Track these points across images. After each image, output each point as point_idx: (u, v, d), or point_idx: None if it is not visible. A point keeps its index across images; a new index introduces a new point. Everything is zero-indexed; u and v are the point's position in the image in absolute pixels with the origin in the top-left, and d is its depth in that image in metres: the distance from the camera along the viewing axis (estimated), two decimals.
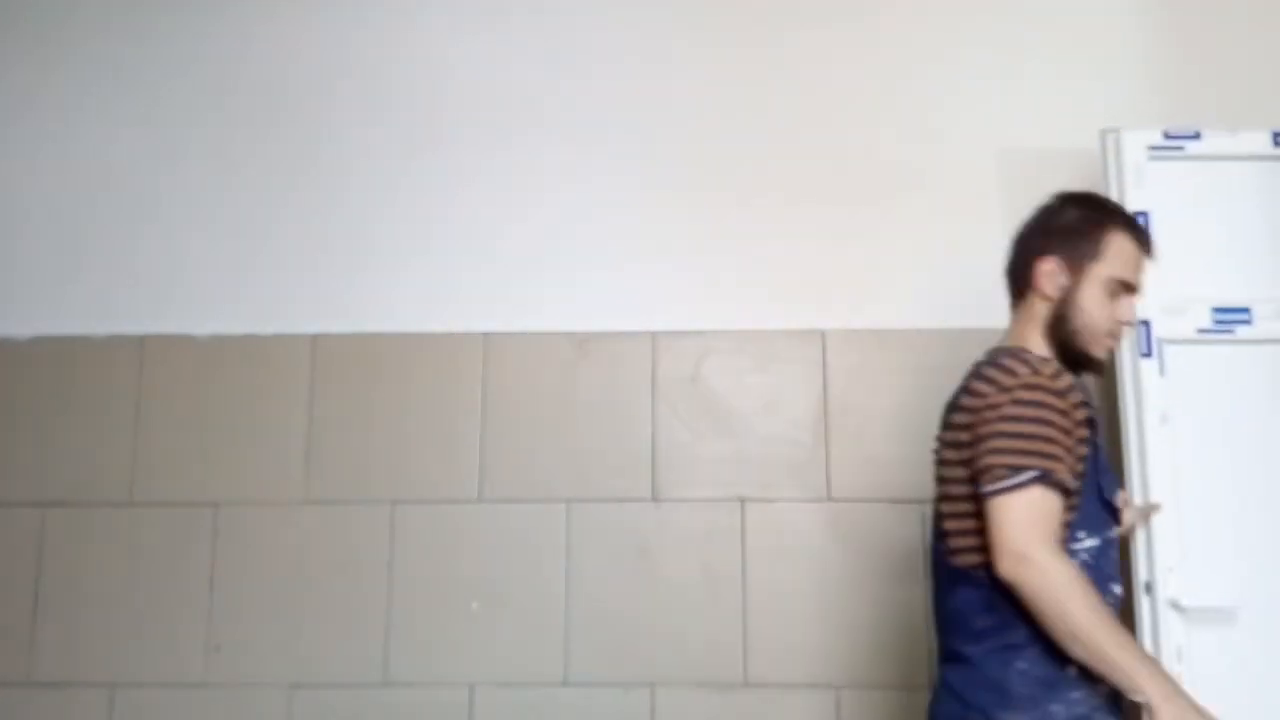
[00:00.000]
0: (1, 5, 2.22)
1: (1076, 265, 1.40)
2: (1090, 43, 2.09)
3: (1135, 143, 1.82)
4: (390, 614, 1.96)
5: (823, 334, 2.02)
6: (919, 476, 1.94)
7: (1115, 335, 1.44)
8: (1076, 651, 1.24)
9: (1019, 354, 1.37)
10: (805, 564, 1.93)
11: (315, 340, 2.06)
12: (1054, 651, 1.27)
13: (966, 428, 1.35)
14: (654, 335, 2.04)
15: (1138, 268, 1.42)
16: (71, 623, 1.98)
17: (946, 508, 1.39)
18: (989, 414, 1.31)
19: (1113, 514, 1.40)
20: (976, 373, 1.39)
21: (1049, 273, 1.41)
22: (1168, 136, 1.83)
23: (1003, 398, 1.31)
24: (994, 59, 2.09)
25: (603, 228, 2.08)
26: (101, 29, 2.20)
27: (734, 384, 2.01)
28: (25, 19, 2.21)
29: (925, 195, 2.05)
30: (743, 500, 1.97)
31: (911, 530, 1.93)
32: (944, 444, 1.41)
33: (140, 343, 2.07)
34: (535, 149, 2.11)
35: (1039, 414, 1.29)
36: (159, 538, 2.00)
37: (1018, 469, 1.27)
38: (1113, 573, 1.38)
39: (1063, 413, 1.30)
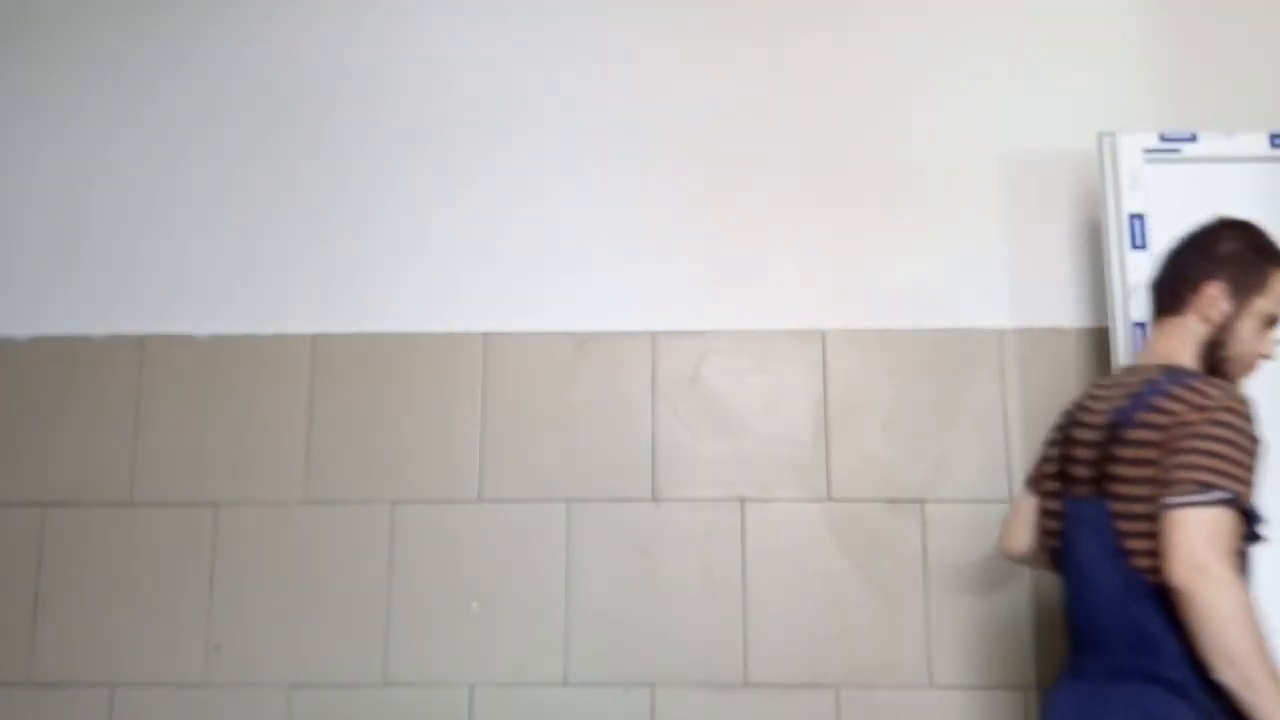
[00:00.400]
0: (1, 5, 2.22)
1: (1242, 295, 1.44)
2: (1091, 44, 2.09)
3: (1131, 146, 1.83)
4: (390, 614, 1.96)
5: (823, 334, 2.02)
6: (919, 477, 1.95)
7: (1256, 367, 1.48)
8: (1227, 675, 1.22)
9: (1204, 378, 1.40)
10: (805, 564, 1.94)
11: (315, 340, 2.06)
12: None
13: (1155, 445, 1.35)
14: (654, 335, 2.04)
15: None
16: (71, 623, 1.98)
17: (1129, 526, 1.36)
18: (1182, 430, 1.32)
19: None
20: (1160, 390, 1.38)
21: (1214, 297, 1.44)
22: (1164, 139, 1.84)
23: (1197, 415, 1.32)
24: (995, 61, 2.10)
25: (603, 228, 2.08)
26: (101, 29, 2.20)
27: (734, 384, 2.02)
28: (25, 19, 2.21)
29: (925, 195, 2.05)
30: (743, 500, 1.97)
31: (911, 530, 1.94)
32: (1123, 460, 1.38)
33: (140, 343, 2.07)
34: (535, 149, 2.11)
35: (1235, 438, 1.30)
36: (159, 538, 2.00)
37: (1208, 486, 1.27)
38: None
39: (1254, 441, 1.32)
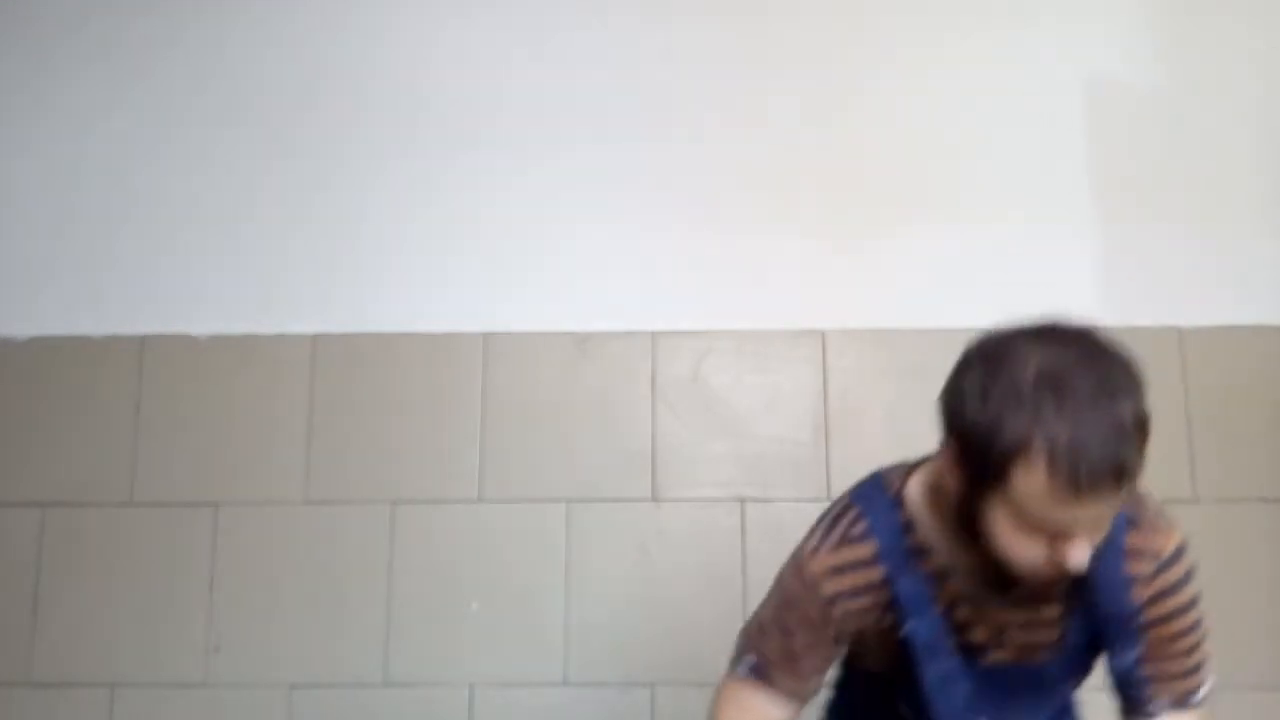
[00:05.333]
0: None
1: (981, 488, 0.99)
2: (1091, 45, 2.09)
3: None
4: (390, 614, 1.96)
5: (823, 334, 2.02)
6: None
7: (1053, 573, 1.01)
8: None
9: (841, 515, 1.17)
10: None
11: (315, 340, 2.06)
12: None
13: None
14: (654, 335, 2.04)
15: (1059, 508, 0.94)
16: (71, 623, 1.98)
17: None
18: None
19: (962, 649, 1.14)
20: None
21: (947, 466, 1.04)
22: None
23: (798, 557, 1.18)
24: (996, 62, 2.10)
25: (603, 228, 2.08)
26: (96, 28, 2.20)
27: (734, 384, 2.01)
28: (22, 18, 2.21)
29: (925, 195, 2.05)
30: (743, 500, 1.97)
31: None
32: None
33: (140, 343, 2.07)
34: (536, 149, 2.11)
35: (783, 617, 1.17)
36: (159, 538, 2.00)
37: (742, 653, 1.22)
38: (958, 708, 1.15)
39: (810, 622, 1.14)
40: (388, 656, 1.95)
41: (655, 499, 1.98)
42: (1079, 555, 0.97)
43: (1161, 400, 2.03)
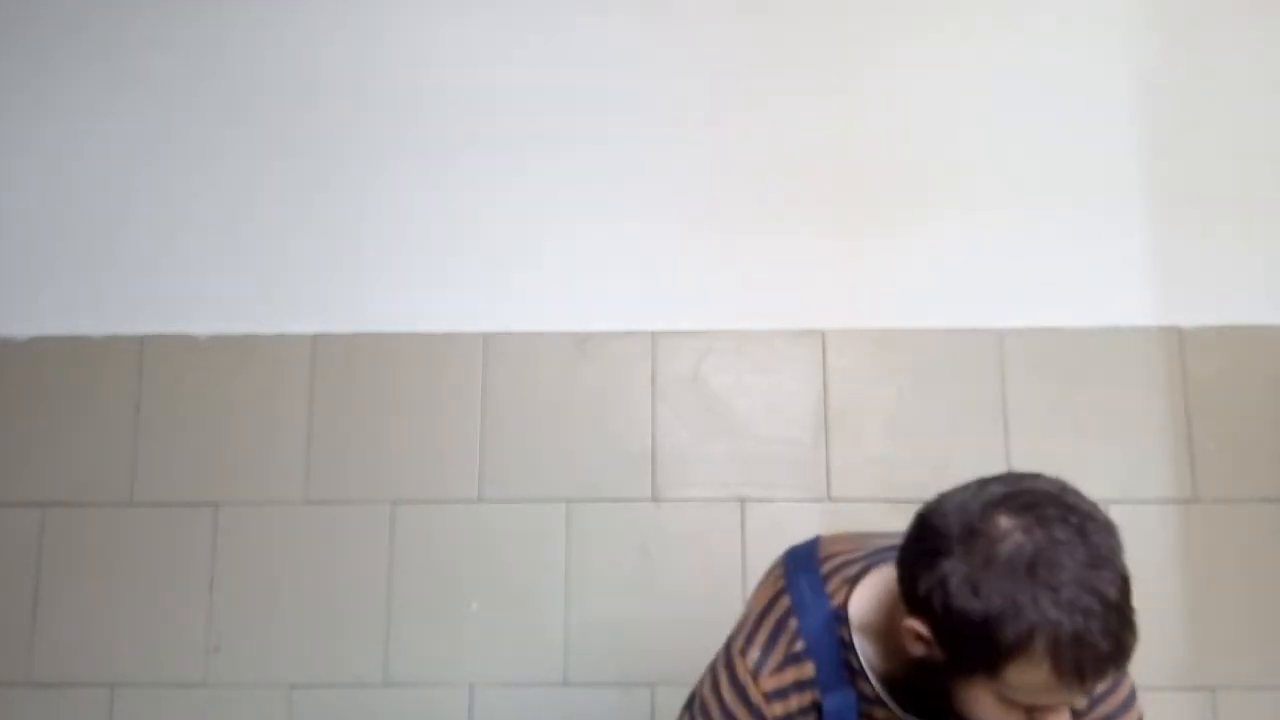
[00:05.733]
0: None
1: (963, 669, 0.95)
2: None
3: None
4: (390, 614, 1.96)
5: (823, 334, 2.02)
6: (919, 476, 1.95)
7: None
8: None
9: (781, 628, 1.12)
10: None
11: (315, 340, 2.06)
12: None
13: None
14: (654, 335, 2.04)
15: (1058, 695, 0.92)
16: (71, 623, 1.98)
17: None
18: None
19: None
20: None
21: (916, 636, 0.99)
22: None
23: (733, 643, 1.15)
24: (996, 62, 2.10)
25: (603, 228, 2.08)
26: (96, 28, 2.20)
27: (734, 384, 2.02)
28: (21, 18, 2.21)
29: (924, 195, 2.05)
30: (743, 500, 1.97)
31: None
32: None
33: (140, 343, 2.07)
34: (535, 149, 2.11)
35: (721, 698, 1.13)
36: (159, 538, 2.00)
37: None
38: None
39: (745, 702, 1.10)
40: (388, 656, 1.95)
41: (655, 499, 1.98)
42: None
43: (1161, 400, 2.05)
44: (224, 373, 2.05)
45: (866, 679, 1.08)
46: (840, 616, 1.09)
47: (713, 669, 1.18)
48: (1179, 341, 1.98)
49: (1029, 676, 0.90)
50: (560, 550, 1.97)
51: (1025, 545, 0.89)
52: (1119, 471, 1.94)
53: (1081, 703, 0.95)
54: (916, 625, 0.96)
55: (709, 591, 1.94)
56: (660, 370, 2.02)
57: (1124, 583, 0.90)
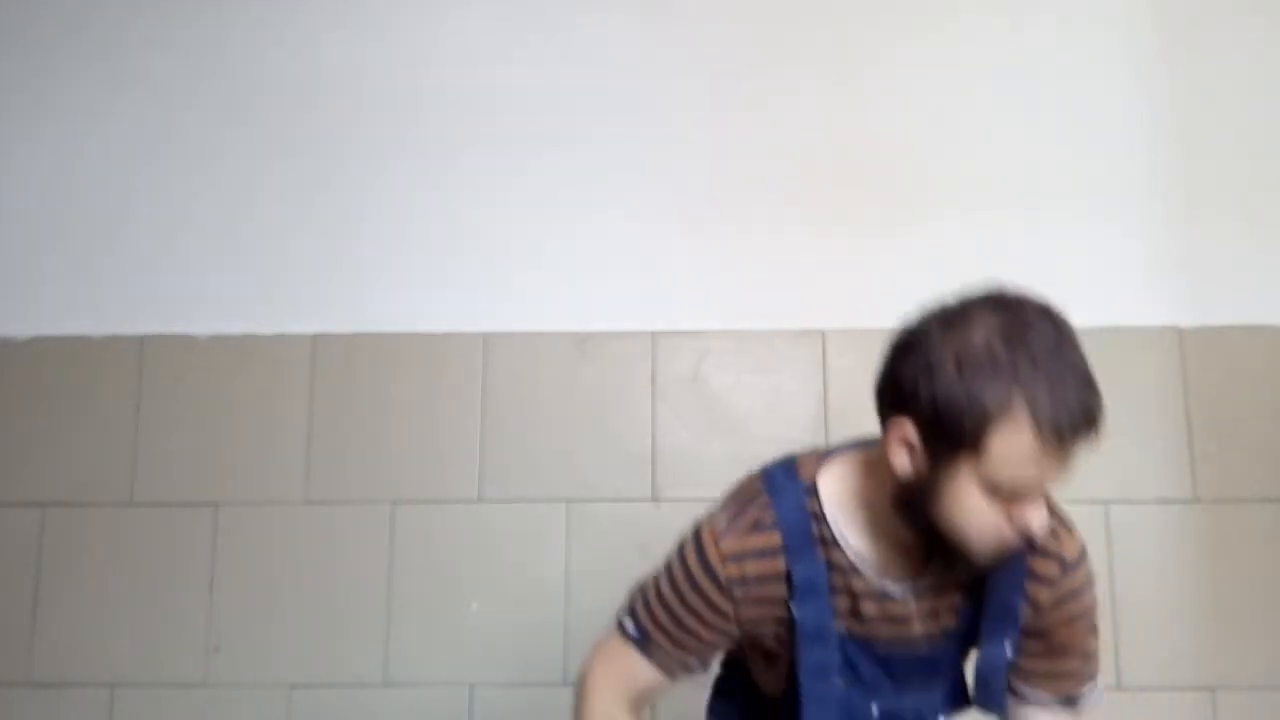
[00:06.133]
0: None
1: (946, 459, 0.99)
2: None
3: None
4: (390, 614, 1.96)
5: (823, 334, 2.02)
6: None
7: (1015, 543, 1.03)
8: None
9: (750, 501, 1.16)
10: None
11: (315, 340, 2.06)
12: None
13: None
14: (654, 335, 2.04)
15: (1038, 464, 0.96)
16: (71, 623, 1.98)
17: None
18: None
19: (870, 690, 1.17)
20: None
21: (900, 442, 1.03)
22: None
23: (698, 531, 1.20)
24: (995, 63, 2.10)
25: (603, 228, 2.08)
26: (96, 28, 2.20)
27: (734, 384, 2.01)
28: (21, 18, 2.21)
29: (924, 195, 2.05)
30: None
31: None
32: None
33: (140, 343, 2.07)
34: (535, 149, 2.11)
35: (680, 584, 1.17)
36: (159, 538, 2.00)
37: (635, 618, 1.22)
38: None
39: (700, 596, 1.15)
40: (388, 656, 1.95)
41: (655, 499, 1.98)
42: (1040, 517, 1.00)
43: (1161, 400, 2.05)
44: (224, 373, 2.05)
45: (839, 548, 1.12)
46: (810, 490, 1.14)
47: (678, 547, 1.21)
48: (1179, 341, 1.98)
49: (1013, 444, 0.94)
50: (560, 550, 1.97)
51: (1000, 326, 0.96)
52: (1119, 471, 1.94)
53: (1055, 481, 0.98)
54: (903, 428, 1.01)
55: None
56: (660, 370, 2.02)
57: (1087, 361, 0.97)
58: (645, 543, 1.96)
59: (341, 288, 2.08)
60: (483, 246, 2.08)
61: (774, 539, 1.13)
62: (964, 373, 0.96)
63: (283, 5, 2.19)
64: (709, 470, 1.98)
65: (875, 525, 1.11)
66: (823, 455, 1.19)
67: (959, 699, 1.27)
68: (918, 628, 1.15)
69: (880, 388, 1.07)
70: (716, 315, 2.04)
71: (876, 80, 2.11)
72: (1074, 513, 1.90)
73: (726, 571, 1.13)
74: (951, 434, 0.97)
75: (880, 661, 1.16)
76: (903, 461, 1.02)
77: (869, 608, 1.13)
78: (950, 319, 1.00)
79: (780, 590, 1.12)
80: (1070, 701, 1.19)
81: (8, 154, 2.17)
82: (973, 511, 0.99)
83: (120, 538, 2.00)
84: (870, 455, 1.14)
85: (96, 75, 2.18)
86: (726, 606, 1.14)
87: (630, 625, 1.20)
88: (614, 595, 1.95)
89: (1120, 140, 2.06)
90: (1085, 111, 2.06)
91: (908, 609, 1.14)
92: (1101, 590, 1.87)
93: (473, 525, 1.98)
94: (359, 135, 2.13)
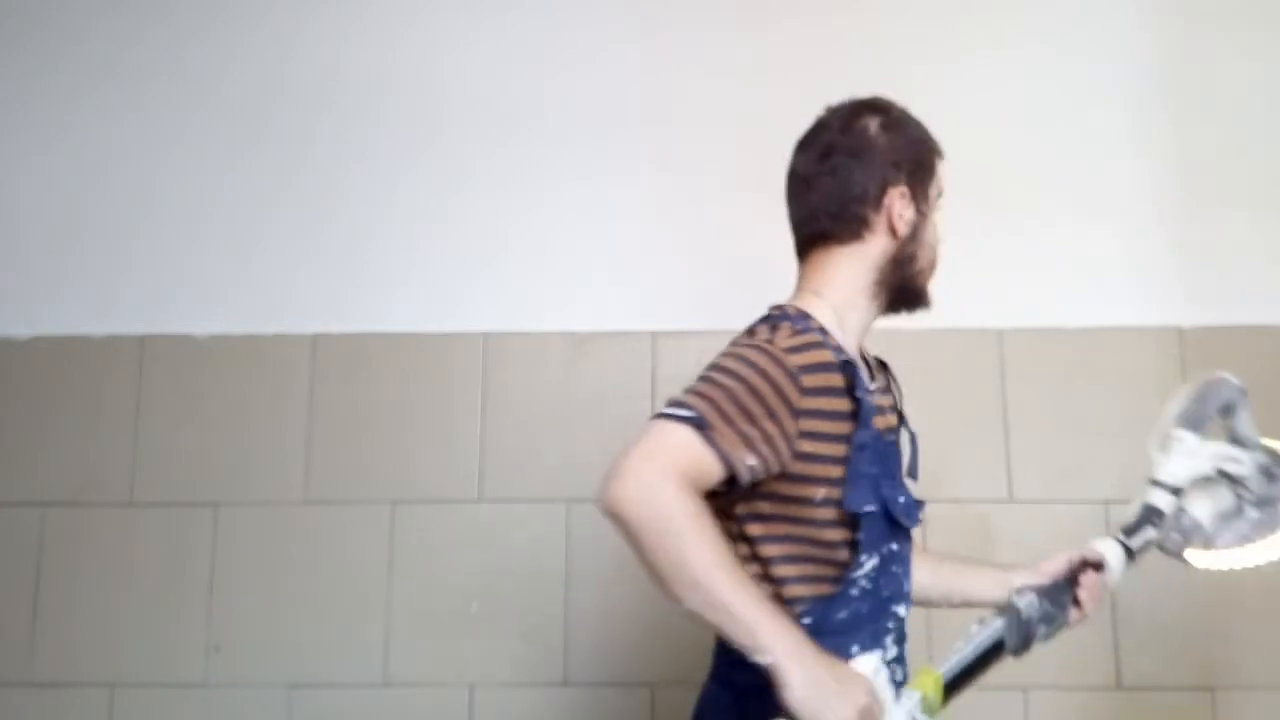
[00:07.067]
0: None
1: (923, 194, 1.27)
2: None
3: None
4: (390, 614, 1.96)
5: None
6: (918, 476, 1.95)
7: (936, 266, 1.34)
8: (692, 604, 1.05)
9: (779, 318, 1.20)
10: None
11: (315, 340, 2.06)
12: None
13: None
14: (654, 335, 2.04)
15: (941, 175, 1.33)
16: (71, 623, 1.98)
17: None
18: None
19: (902, 529, 1.22)
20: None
21: (900, 204, 1.24)
22: None
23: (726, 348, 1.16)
24: (994, 63, 2.10)
25: (603, 228, 2.08)
26: (98, 26, 2.20)
27: None
28: (21, 17, 2.21)
29: None
30: None
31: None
32: None
33: (140, 343, 2.07)
34: (535, 149, 2.11)
35: (744, 371, 1.09)
36: (159, 538, 2.00)
37: (683, 404, 1.06)
38: (893, 594, 1.20)
39: (770, 382, 1.10)
40: (388, 656, 1.95)
41: None
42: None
43: (1161, 400, 2.04)
44: (224, 373, 2.05)
45: (845, 352, 1.22)
46: (805, 315, 1.23)
47: (731, 354, 1.16)
48: (1179, 341, 1.98)
49: (938, 164, 1.31)
50: (560, 550, 1.97)
51: (877, 100, 1.35)
52: (1119, 471, 1.94)
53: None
54: (897, 192, 1.25)
55: None
56: (660, 370, 2.02)
57: None
58: None
59: (342, 288, 2.08)
60: (483, 247, 2.09)
61: (814, 336, 1.18)
62: (908, 125, 1.30)
63: (290, 11, 2.19)
64: None
65: (855, 335, 1.27)
66: (783, 305, 1.26)
67: None
68: (891, 421, 1.28)
69: (845, 197, 1.24)
70: (716, 315, 2.03)
71: (875, 82, 2.09)
72: (1074, 513, 1.93)
73: (792, 360, 1.13)
74: (925, 169, 1.28)
75: (892, 451, 1.25)
76: (908, 216, 1.25)
77: (875, 400, 1.23)
78: (874, 101, 1.35)
79: (837, 379, 1.16)
80: None
81: (9, 155, 2.17)
82: (934, 230, 1.30)
83: (120, 538, 2.00)
84: (816, 275, 1.27)
85: (99, 77, 2.18)
86: (793, 395, 1.11)
87: (684, 410, 1.05)
88: (614, 595, 1.97)
89: (1120, 140, 2.06)
90: (1085, 111, 2.06)
91: (885, 402, 1.28)
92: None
93: (473, 525, 1.98)
94: (360, 139, 2.13)
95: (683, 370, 2.00)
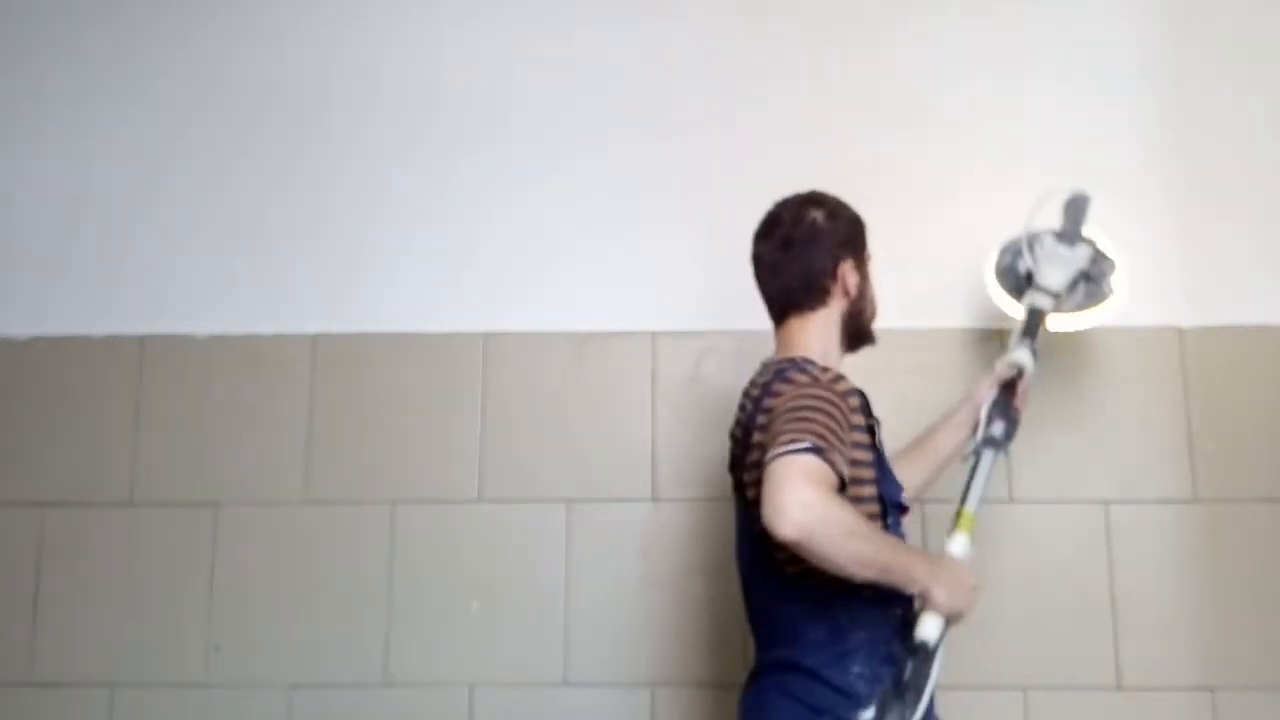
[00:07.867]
0: None
1: (861, 260, 1.59)
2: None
3: None
4: (390, 614, 1.96)
5: None
6: None
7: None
8: (868, 576, 1.31)
9: (802, 364, 1.46)
10: None
11: (315, 340, 2.06)
12: (878, 643, 1.40)
13: (766, 430, 1.39)
14: (654, 335, 2.04)
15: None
16: (71, 623, 1.98)
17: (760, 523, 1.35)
18: (779, 409, 1.37)
19: (897, 513, 1.51)
20: (767, 386, 1.44)
21: (848, 275, 1.56)
22: None
23: (790, 389, 1.40)
24: (993, 63, 2.10)
25: (603, 228, 2.08)
26: (97, 27, 2.20)
27: (734, 384, 2.00)
28: (21, 17, 2.21)
29: (924, 194, 2.05)
30: None
31: (911, 529, 1.92)
32: (747, 466, 1.45)
33: (140, 343, 2.07)
34: (535, 149, 2.11)
35: (818, 404, 1.36)
36: (159, 538, 2.00)
37: (795, 439, 1.30)
38: None
39: (837, 408, 1.37)
40: (388, 656, 1.95)
41: (655, 499, 1.98)
42: None
43: (1162, 400, 2.05)
44: (224, 373, 2.05)
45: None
46: (811, 362, 1.48)
47: (790, 391, 1.41)
48: (1179, 341, 1.98)
49: (865, 237, 1.62)
50: (560, 550, 1.97)
51: (829, 199, 1.61)
52: (1119, 471, 1.94)
53: None
54: (846, 265, 1.56)
55: (709, 591, 1.94)
56: (660, 370, 2.02)
57: None
58: (645, 543, 1.96)
59: (342, 288, 2.08)
60: (483, 246, 2.09)
61: (838, 372, 1.47)
62: (844, 212, 1.59)
63: (288, 11, 2.19)
64: (709, 470, 1.98)
65: (857, 331, 1.62)
66: (793, 358, 1.50)
67: None
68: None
69: (809, 276, 1.55)
70: (716, 315, 2.03)
71: (874, 81, 2.11)
72: (1074, 512, 1.93)
73: (839, 387, 1.41)
74: (860, 241, 1.60)
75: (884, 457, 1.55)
76: (855, 283, 1.56)
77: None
78: (813, 194, 1.61)
79: (858, 402, 1.45)
80: None
81: (10, 155, 2.17)
82: (871, 285, 1.61)
83: (120, 538, 2.00)
84: (798, 336, 1.55)
85: (100, 77, 2.19)
86: (850, 420, 1.39)
87: (803, 444, 1.29)
88: (614, 595, 1.96)
89: (1120, 140, 2.06)
90: (1085, 111, 2.07)
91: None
92: (1101, 590, 1.89)
93: (473, 525, 1.98)
94: (360, 138, 2.14)
95: (683, 370, 2.02)
